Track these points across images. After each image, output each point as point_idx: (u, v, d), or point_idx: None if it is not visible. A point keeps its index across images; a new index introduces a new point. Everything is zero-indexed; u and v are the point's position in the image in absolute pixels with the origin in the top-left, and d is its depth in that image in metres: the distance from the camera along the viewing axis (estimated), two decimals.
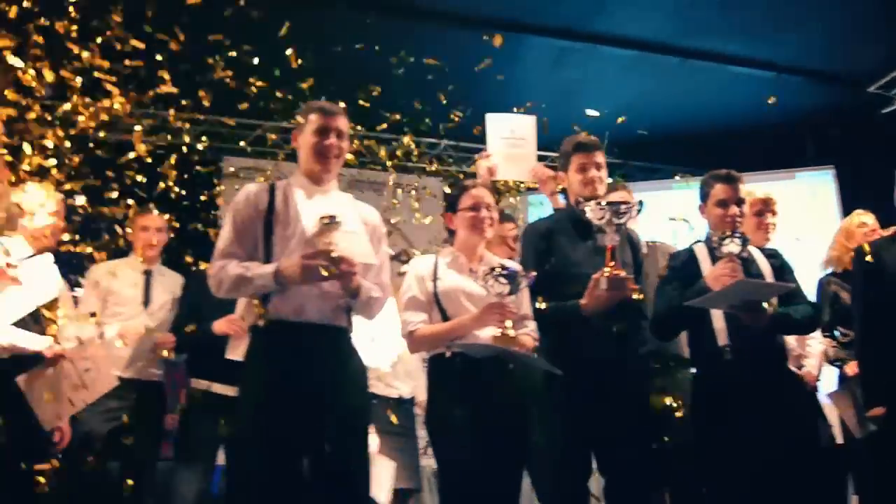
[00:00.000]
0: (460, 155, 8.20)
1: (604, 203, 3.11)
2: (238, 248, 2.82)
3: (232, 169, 7.60)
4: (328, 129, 2.91)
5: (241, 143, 7.26)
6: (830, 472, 3.37)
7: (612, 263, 3.08)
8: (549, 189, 4.05)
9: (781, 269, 3.42)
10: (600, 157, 3.43)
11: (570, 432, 3.14)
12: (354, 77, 5.71)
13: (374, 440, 4.25)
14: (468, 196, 3.27)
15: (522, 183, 6.29)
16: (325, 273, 2.63)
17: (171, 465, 4.19)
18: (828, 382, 4.34)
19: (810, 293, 3.80)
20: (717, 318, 3.30)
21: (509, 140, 4.19)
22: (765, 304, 3.19)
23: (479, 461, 2.94)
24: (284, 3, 5.91)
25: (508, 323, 2.99)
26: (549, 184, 4.04)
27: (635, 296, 3.14)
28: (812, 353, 4.17)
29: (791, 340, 3.85)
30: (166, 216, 4.54)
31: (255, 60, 4.81)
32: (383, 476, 3.94)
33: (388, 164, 6.86)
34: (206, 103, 3.65)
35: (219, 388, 3.98)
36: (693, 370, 3.52)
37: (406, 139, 6.78)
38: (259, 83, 4.36)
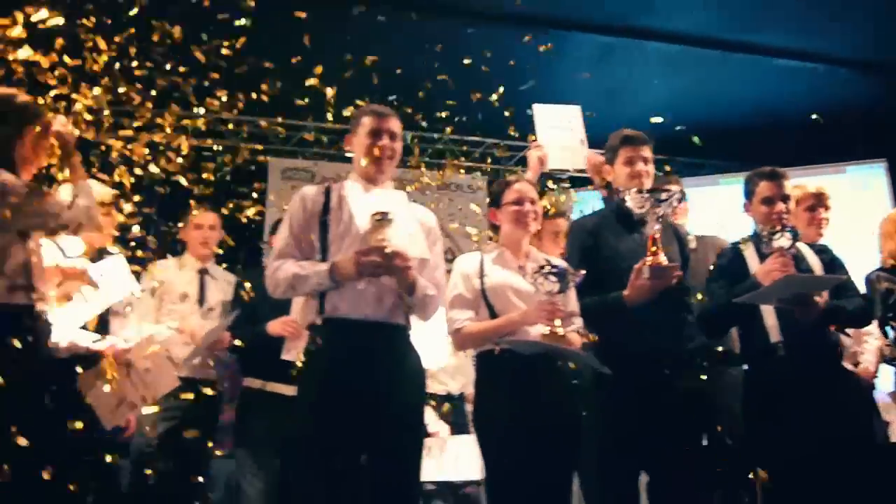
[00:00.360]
0: (504, 154, 8.20)
1: (644, 191, 3.11)
2: (294, 250, 2.89)
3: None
4: (381, 130, 2.98)
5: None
6: (885, 470, 3.31)
7: (654, 250, 3.06)
8: (602, 176, 4.03)
9: (832, 264, 3.38)
10: (647, 152, 3.41)
11: (617, 430, 3.11)
12: (395, 77, 5.78)
13: (444, 427, 4.31)
14: (511, 191, 3.29)
15: (566, 183, 6.32)
16: (379, 268, 2.68)
17: (230, 463, 4.24)
18: (885, 380, 4.27)
19: (861, 290, 3.74)
20: (769, 314, 3.27)
21: (558, 130, 4.20)
22: (816, 298, 3.16)
23: (528, 460, 2.94)
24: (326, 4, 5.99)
25: (557, 321, 3.00)
26: (606, 170, 4.02)
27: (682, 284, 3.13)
28: (868, 350, 4.12)
29: (846, 338, 3.80)
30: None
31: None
32: (465, 453, 4.04)
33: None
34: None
35: (274, 387, 4.03)
36: (744, 367, 3.50)
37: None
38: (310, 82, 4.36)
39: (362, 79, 5.96)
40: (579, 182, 7.20)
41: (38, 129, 2.99)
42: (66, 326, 3.51)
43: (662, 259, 3.05)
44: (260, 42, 6.11)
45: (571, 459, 3.15)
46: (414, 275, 2.81)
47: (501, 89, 4.37)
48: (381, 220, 2.71)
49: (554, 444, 3.02)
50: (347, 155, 7.51)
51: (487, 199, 3.61)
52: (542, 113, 4.23)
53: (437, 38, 6.26)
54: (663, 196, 3.08)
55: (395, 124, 3.03)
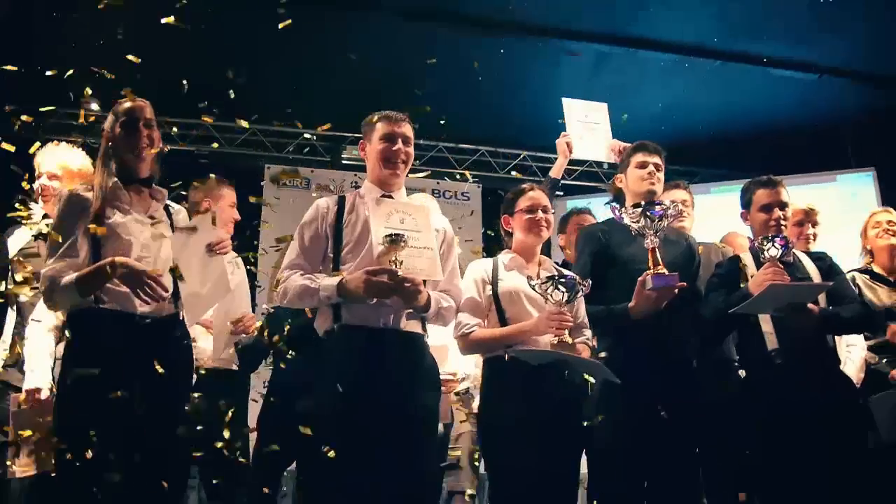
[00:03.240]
0: (499, 161, 8.24)
1: (638, 209, 3.15)
2: (305, 261, 2.93)
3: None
4: (395, 135, 3.01)
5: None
6: (882, 473, 3.36)
7: (654, 263, 3.11)
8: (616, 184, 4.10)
9: (829, 270, 3.42)
10: (659, 160, 3.49)
11: (624, 438, 3.14)
12: (393, 84, 5.82)
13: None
14: (525, 198, 3.31)
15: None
16: (387, 290, 2.71)
17: None
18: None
19: None
20: (766, 321, 3.30)
21: (585, 123, 4.36)
22: (811, 306, 3.20)
23: (532, 465, 2.94)
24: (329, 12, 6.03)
25: (566, 331, 3.01)
26: (616, 179, 4.07)
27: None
28: (852, 360, 4.14)
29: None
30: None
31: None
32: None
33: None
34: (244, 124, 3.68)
35: None
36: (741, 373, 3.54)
37: None
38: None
39: (360, 85, 6.09)
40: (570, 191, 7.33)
41: None
42: None
43: (662, 270, 3.10)
44: (256, 49, 6.24)
45: (575, 467, 3.16)
46: (426, 295, 2.84)
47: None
48: (395, 240, 2.73)
49: (558, 451, 3.02)
50: (344, 162, 7.56)
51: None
52: (571, 106, 4.38)
53: (433, 46, 6.33)
54: (657, 209, 3.13)
55: (408, 129, 3.06)
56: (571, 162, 4.47)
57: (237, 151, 7.59)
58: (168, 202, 3.03)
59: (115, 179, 2.83)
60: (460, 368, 4.17)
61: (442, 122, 4.65)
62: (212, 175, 4.09)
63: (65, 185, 3.47)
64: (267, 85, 6.75)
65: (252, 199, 4.07)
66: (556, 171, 4.32)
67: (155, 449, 2.66)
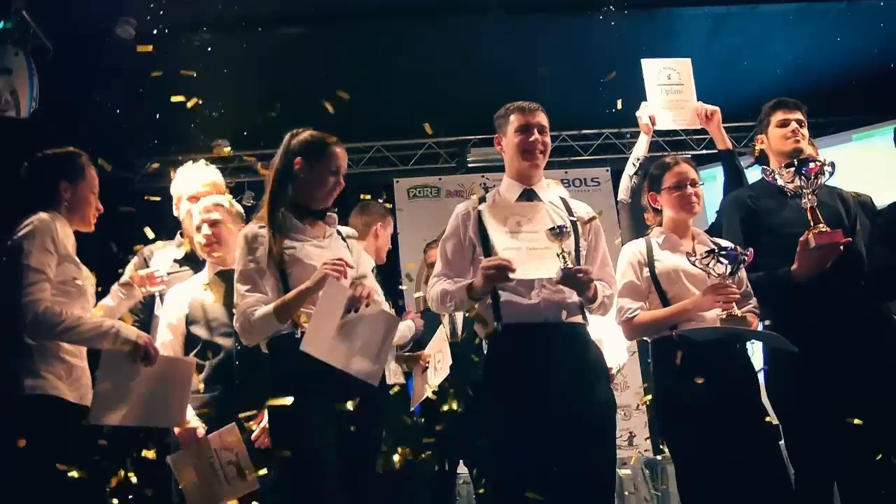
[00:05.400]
0: (624, 142, 8.08)
1: (791, 169, 3.04)
2: (451, 271, 2.99)
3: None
4: (530, 125, 3.00)
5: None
6: None
7: (816, 222, 3.00)
8: (715, 124, 3.95)
9: None
10: (801, 115, 3.37)
11: (813, 404, 3.04)
12: (500, 82, 5.82)
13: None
14: (671, 174, 3.24)
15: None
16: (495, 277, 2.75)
17: None
18: None
19: None
20: None
21: (666, 86, 4.05)
22: None
23: (719, 440, 2.88)
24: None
25: (733, 303, 2.94)
26: (715, 117, 3.94)
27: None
28: None
29: None
30: None
31: None
32: None
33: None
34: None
35: None
36: None
37: None
38: None
39: (476, 87, 6.12)
40: (702, 161, 7.13)
41: None
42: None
43: (825, 229, 2.98)
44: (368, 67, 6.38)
45: (761, 436, 3.04)
46: (595, 286, 2.84)
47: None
48: (559, 233, 2.74)
49: (740, 429, 2.94)
50: (470, 165, 7.60)
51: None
52: (651, 69, 4.07)
53: (539, 35, 6.30)
54: (811, 167, 3.00)
55: (542, 118, 3.04)
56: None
57: (365, 171, 7.74)
58: (338, 226, 3.09)
59: (287, 213, 2.90)
60: (616, 362, 4.12)
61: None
62: (374, 200, 4.31)
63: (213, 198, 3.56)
64: (382, 100, 6.93)
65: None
66: (642, 150, 3.99)
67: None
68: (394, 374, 4.16)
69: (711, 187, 5.09)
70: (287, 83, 6.25)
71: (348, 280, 2.80)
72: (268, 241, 2.81)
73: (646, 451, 6.30)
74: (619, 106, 3.55)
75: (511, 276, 2.71)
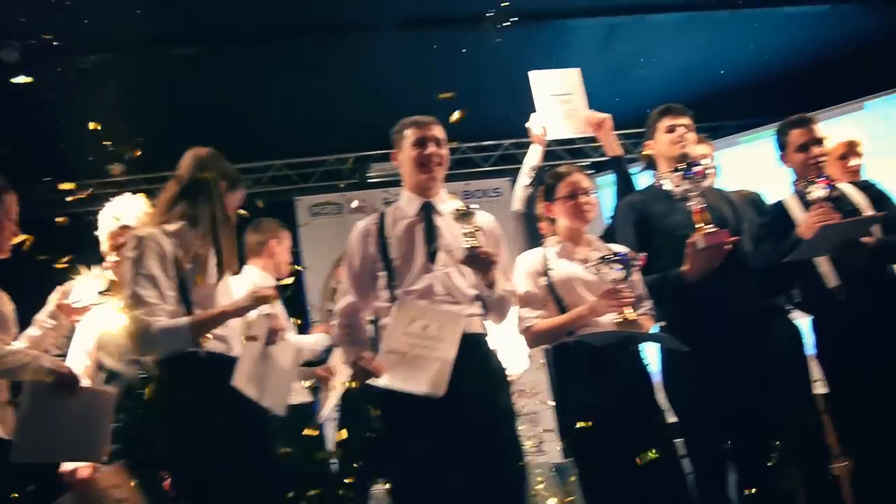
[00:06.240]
0: (524, 152, 8.16)
1: (678, 173, 3.13)
2: (358, 287, 3.01)
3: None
4: (425, 139, 3.02)
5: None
6: None
7: (702, 223, 3.08)
8: (606, 131, 4.02)
9: (880, 198, 3.38)
10: (688, 120, 3.45)
11: (701, 402, 3.12)
12: (402, 97, 5.83)
13: None
14: (564, 184, 3.27)
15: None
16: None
17: None
18: None
19: None
20: (822, 261, 3.28)
21: (557, 97, 4.06)
22: (865, 239, 3.16)
23: (614, 445, 2.92)
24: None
25: (627, 307, 2.99)
26: (606, 124, 4.01)
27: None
28: None
29: None
30: None
31: None
32: None
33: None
34: None
35: None
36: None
37: None
38: None
39: (374, 102, 6.11)
40: (601, 167, 7.26)
41: None
42: None
43: (712, 230, 3.07)
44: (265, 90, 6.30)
45: (656, 439, 3.07)
46: (494, 274, 2.87)
47: None
48: (465, 214, 2.81)
49: (638, 427, 2.99)
50: (372, 181, 7.56)
51: None
52: (540, 80, 4.09)
53: (435, 50, 6.33)
54: (697, 169, 3.10)
55: (438, 131, 3.06)
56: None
57: (265, 190, 7.64)
58: None
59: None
60: (516, 370, 4.16)
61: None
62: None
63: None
64: (280, 119, 6.86)
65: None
66: (536, 160, 4.04)
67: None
68: (299, 393, 4.12)
69: (611, 193, 5.19)
70: (183, 104, 6.15)
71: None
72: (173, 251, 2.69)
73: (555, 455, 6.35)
74: (455, 117, 3.47)
75: (374, 381, 2.76)
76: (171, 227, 2.72)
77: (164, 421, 2.62)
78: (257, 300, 2.65)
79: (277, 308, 3.06)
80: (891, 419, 3.08)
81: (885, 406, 3.10)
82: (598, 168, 7.38)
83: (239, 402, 2.59)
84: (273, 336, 2.75)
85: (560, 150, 7.64)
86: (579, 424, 2.95)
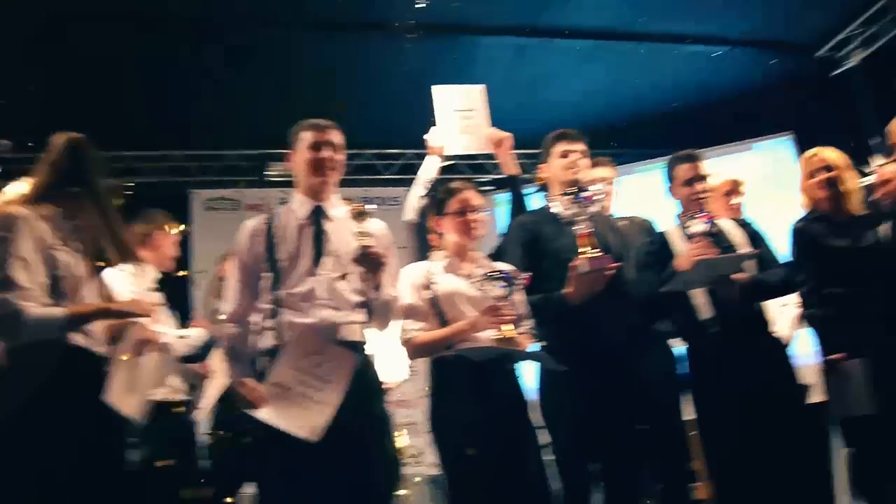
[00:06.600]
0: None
1: (567, 197, 3.20)
2: (244, 286, 2.96)
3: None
4: (321, 143, 3.01)
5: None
6: (810, 429, 3.50)
7: (587, 248, 3.15)
8: (505, 150, 4.09)
9: (755, 236, 3.53)
10: (582, 146, 3.51)
11: (573, 423, 3.19)
12: (307, 98, 5.79)
13: None
14: (455, 200, 3.30)
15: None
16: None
17: None
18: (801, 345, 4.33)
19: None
20: (699, 293, 3.40)
21: (459, 113, 4.11)
22: (738, 275, 3.29)
23: (487, 460, 2.95)
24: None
25: (507, 325, 3.02)
26: (506, 143, 4.08)
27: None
28: (784, 317, 4.24)
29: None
30: None
31: None
32: None
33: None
34: None
35: None
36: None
37: None
38: None
39: (279, 102, 6.03)
40: (501, 184, 7.34)
41: None
42: None
43: (595, 254, 3.14)
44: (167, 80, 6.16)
45: (527, 457, 3.13)
46: (382, 277, 2.91)
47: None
48: (361, 213, 2.85)
49: (510, 444, 3.03)
50: (271, 179, 7.47)
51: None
52: (443, 95, 4.13)
53: (343, 55, 6.31)
54: (586, 195, 3.17)
55: (335, 136, 3.05)
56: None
57: (161, 180, 7.45)
58: None
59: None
60: (394, 378, 4.18)
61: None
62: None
63: None
64: (184, 112, 6.72)
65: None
66: (433, 172, 4.08)
67: None
68: (174, 391, 4.03)
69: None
70: (83, 86, 5.96)
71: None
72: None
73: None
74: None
75: (253, 412, 2.74)
76: (45, 211, 2.63)
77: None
78: (139, 309, 2.59)
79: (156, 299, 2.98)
80: (752, 447, 3.20)
81: (747, 434, 3.21)
82: (498, 185, 7.47)
83: (97, 403, 2.54)
84: (143, 347, 2.69)
85: (462, 165, 7.70)
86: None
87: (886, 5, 6.70)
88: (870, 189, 4.09)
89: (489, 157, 7.27)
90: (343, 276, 2.90)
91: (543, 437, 3.23)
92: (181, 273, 4.22)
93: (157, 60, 6.10)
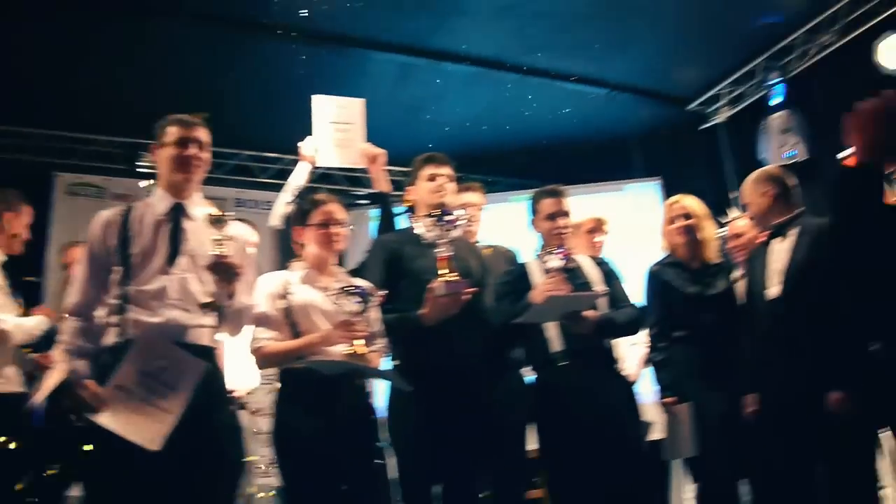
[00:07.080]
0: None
1: (431, 219, 3.23)
2: (92, 279, 2.85)
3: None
4: (188, 139, 2.94)
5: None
6: (649, 465, 3.66)
7: (446, 271, 3.18)
8: (378, 166, 4.10)
9: (609, 275, 3.66)
10: (449, 170, 3.54)
11: (416, 444, 3.20)
12: (187, 91, 5.65)
13: None
14: (319, 212, 3.29)
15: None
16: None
17: None
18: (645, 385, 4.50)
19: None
20: (552, 325, 3.49)
21: (335, 125, 4.10)
22: (589, 313, 3.40)
23: (328, 474, 2.94)
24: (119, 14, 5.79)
25: (359, 340, 3.02)
26: (380, 160, 4.10)
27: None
28: (631, 356, 4.41)
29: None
30: None
31: None
32: None
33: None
34: None
35: None
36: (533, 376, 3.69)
37: None
38: None
39: (157, 92, 5.86)
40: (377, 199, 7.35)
41: None
42: None
43: (454, 278, 3.18)
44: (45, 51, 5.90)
45: (371, 472, 3.16)
46: (236, 286, 2.85)
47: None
48: (218, 220, 2.76)
49: (352, 459, 3.03)
50: (140, 171, 7.26)
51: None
52: (322, 105, 4.11)
53: (232, 53, 6.20)
54: (449, 219, 3.21)
55: (202, 133, 2.99)
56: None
57: (21, 158, 7.11)
58: None
59: None
60: (244, 386, 4.12)
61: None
62: None
63: None
64: (57, 90, 6.45)
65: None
66: (302, 180, 4.06)
67: None
68: (11, 382, 3.85)
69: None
70: None
71: None
72: None
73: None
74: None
75: (92, 416, 2.65)
76: None
77: None
78: None
79: None
80: (592, 480, 3.31)
81: (588, 467, 3.32)
82: (374, 200, 7.46)
83: None
84: None
85: (339, 176, 7.69)
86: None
87: (753, 69, 7.12)
88: (725, 240, 4.34)
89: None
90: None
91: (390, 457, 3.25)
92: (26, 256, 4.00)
93: (35, 37, 5.85)
